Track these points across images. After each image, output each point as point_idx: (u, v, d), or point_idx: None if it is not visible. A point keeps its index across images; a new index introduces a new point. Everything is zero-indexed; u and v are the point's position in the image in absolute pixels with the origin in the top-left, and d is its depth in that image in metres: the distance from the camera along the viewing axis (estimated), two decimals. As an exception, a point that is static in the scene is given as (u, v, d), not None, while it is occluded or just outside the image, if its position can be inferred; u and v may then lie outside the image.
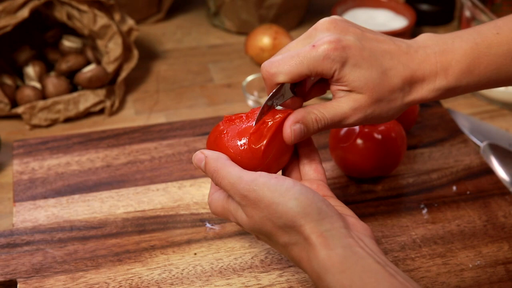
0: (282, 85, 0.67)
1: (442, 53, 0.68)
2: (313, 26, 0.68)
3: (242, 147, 0.66)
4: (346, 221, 0.61)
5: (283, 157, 0.69)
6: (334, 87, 0.67)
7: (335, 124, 0.67)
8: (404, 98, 0.68)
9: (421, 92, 0.68)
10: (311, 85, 0.71)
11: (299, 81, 0.67)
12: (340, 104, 0.67)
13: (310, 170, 0.69)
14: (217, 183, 0.65)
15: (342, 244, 0.58)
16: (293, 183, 0.61)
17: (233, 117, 0.69)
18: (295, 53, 0.66)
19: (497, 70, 0.68)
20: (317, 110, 0.67)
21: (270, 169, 0.67)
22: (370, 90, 0.66)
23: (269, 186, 0.61)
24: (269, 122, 0.67)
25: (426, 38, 0.69)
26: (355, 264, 0.57)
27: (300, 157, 0.70)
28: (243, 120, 0.69)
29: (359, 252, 0.58)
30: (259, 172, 0.63)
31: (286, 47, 0.69)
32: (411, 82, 0.67)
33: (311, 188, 0.62)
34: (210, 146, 0.68)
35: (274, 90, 0.67)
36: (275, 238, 0.62)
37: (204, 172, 0.66)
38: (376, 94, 0.66)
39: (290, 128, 0.66)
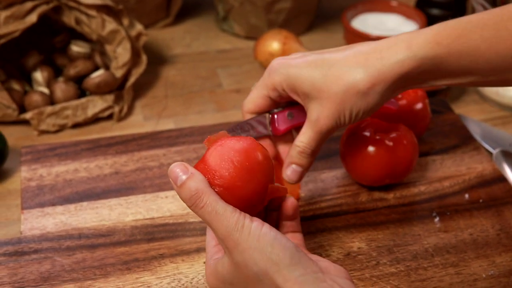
0: (257, 116, 0.75)
1: (403, 34, 0.67)
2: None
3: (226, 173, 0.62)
4: (319, 265, 0.60)
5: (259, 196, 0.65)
6: (301, 102, 0.71)
7: (320, 138, 0.70)
8: (365, 84, 0.67)
9: (383, 69, 0.65)
10: (291, 126, 0.75)
11: (267, 109, 0.74)
12: (308, 121, 0.70)
13: (288, 228, 0.69)
14: (197, 208, 0.61)
15: None
16: (270, 229, 0.60)
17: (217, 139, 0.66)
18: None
19: (467, 45, 0.64)
20: (298, 142, 0.71)
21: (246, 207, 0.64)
22: (318, 91, 0.67)
23: (250, 230, 0.59)
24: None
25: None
26: None
27: (281, 227, 0.68)
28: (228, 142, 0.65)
29: None
30: (243, 213, 0.61)
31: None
32: (365, 65, 0.66)
33: (284, 235, 0.60)
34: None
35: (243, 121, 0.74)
36: None
37: (176, 188, 0.62)
38: (328, 93, 0.67)
39: (285, 173, 0.73)
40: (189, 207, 0.62)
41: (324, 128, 0.69)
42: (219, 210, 0.60)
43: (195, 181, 0.61)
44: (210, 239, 0.67)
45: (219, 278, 0.63)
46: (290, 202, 0.67)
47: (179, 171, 0.62)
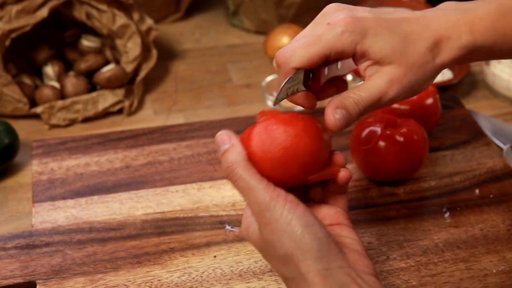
0: (297, 72, 0.63)
1: (464, 12, 0.65)
2: (320, 13, 0.65)
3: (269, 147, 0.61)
4: (346, 258, 0.59)
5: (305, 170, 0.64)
6: (362, 66, 0.64)
7: (375, 103, 0.63)
8: (435, 60, 0.64)
9: (450, 51, 0.64)
10: (325, 81, 0.67)
11: (317, 66, 0.63)
12: (375, 81, 0.63)
13: (333, 201, 0.67)
14: (232, 180, 0.61)
15: (340, 283, 0.57)
16: (303, 213, 0.58)
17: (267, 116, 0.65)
18: (311, 35, 0.62)
19: None
20: (353, 93, 0.63)
21: (289, 180, 0.63)
22: (398, 57, 0.62)
23: (283, 212, 0.58)
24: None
25: (444, 4, 0.68)
26: None
27: (326, 198, 0.67)
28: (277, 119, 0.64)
29: None
30: (278, 190, 0.60)
31: (298, 35, 0.65)
32: (437, 42, 0.64)
33: (320, 222, 0.59)
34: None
35: (290, 76, 0.63)
36: (275, 267, 0.61)
37: (219, 154, 0.62)
38: (406, 60, 0.63)
39: (333, 115, 0.62)
40: (228, 180, 0.61)
41: (388, 95, 0.63)
42: (252, 185, 0.59)
43: (233, 154, 0.61)
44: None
45: (250, 238, 0.62)
46: (344, 173, 0.65)
47: (221, 140, 0.62)
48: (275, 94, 1.05)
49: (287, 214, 0.58)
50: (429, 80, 0.65)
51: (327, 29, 0.62)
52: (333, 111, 0.62)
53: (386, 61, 0.63)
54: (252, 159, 0.61)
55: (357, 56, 0.63)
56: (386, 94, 0.63)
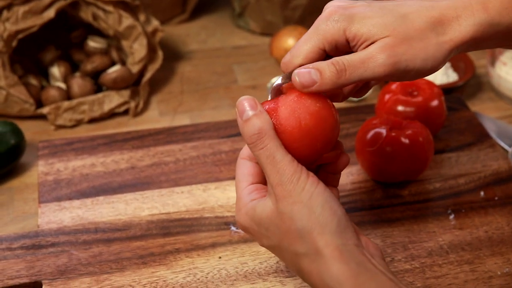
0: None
1: None
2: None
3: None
4: (360, 239, 0.60)
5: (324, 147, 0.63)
6: (359, 49, 0.62)
7: (358, 68, 0.60)
8: (439, 38, 0.61)
9: (459, 29, 0.61)
10: None
11: (316, 59, 0.62)
12: (365, 49, 0.60)
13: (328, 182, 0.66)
14: (256, 148, 0.59)
15: (356, 260, 0.57)
16: (324, 189, 0.59)
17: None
18: (304, 34, 0.63)
19: None
20: (338, 57, 0.61)
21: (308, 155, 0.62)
22: (392, 30, 0.60)
23: (305, 185, 0.58)
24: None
25: None
26: (370, 280, 0.56)
27: (322, 178, 0.65)
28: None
29: (372, 269, 0.57)
30: (301, 165, 0.59)
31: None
32: (442, 21, 0.61)
33: (338, 200, 0.60)
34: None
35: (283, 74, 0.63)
36: (287, 243, 0.60)
37: (241, 122, 0.60)
38: (401, 33, 0.60)
39: (299, 73, 0.60)
40: (248, 145, 0.60)
41: (379, 56, 0.60)
42: (277, 157, 0.59)
43: (261, 121, 0.59)
44: (242, 179, 0.64)
45: (255, 219, 0.62)
46: (345, 159, 0.66)
47: (248, 105, 0.60)
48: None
49: (309, 187, 0.59)
50: (436, 59, 0.61)
51: (316, 23, 0.63)
52: (302, 69, 0.61)
53: (379, 37, 0.60)
54: (277, 129, 0.60)
55: (351, 42, 0.62)
56: (373, 58, 0.60)
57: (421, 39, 0.61)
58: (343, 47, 0.63)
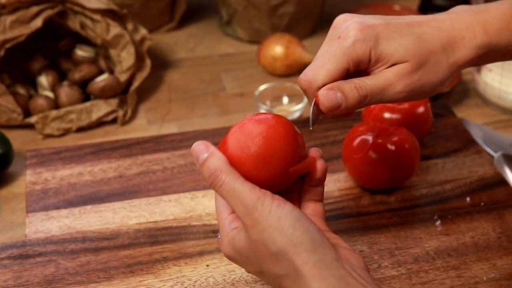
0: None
1: (477, 13, 0.65)
2: (332, 27, 0.67)
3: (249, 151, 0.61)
4: (338, 252, 0.59)
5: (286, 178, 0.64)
6: (378, 70, 0.64)
7: (379, 93, 0.62)
8: (449, 59, 0.64)
9: (465, 51, 0.64)
10: None
11: (339, 79, 0.63)
12: (384, 73, 0.63)
13: (310, 207, 0.66)
14: (216, 186, 0.60)
15: (336, 274, 0.57)
16: (292, 209, 0.59)
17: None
18: (326, 52, 0.63)
19: None
20: (358, 79, 0.63)
21: (270, 185, 0.62)
22: (412, 55, 0.62)
23: (271, 209, 0.58)
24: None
25: (456, 8, 0.68)
26: None
27: (304, 193, 0.66)
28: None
29: (353, 283, 0.57)
30: (264, 190, 0.60)
31: (316, 56, 0.66)
32: (450, 42, 0.64)
33: (309, 217, 0.60)
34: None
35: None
36: (267, 267, 0.60)
37: (199, 167, 0.61)
38: (419, 58, 0.62)
39: (321, 94, 0.61)
40: (210, 186, 0.61)
41: (395, 88, 0.63)
42: (237, 188, 0.59)
43: (214, 159, 0.60)
44: (222, 210, 0.64)
45: (236, 249, 0.62)
46: (319, 165, 0.64)
47: (201, 149, 0.61)
48: (268, 103, 1.06)
49: (276, 210, 0.58)
50: (443, 81, 0.65)
51: (340, 41, 0.63)
52: (326, 90, 0.62)
53: (401, 61, 0.63)
54: (232, 162, 0.61)
55: (371, 62, 0.63)
56: (392, 86, 0.63)
57: (434, 63, 0.64)
58: (363, 66, 0.64)
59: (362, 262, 0.61)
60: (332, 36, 0.67)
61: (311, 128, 0.66)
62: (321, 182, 0.65)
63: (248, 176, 0.61)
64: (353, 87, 0.62)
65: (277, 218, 0.58)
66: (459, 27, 0.65)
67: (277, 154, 0.61)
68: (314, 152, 0.65)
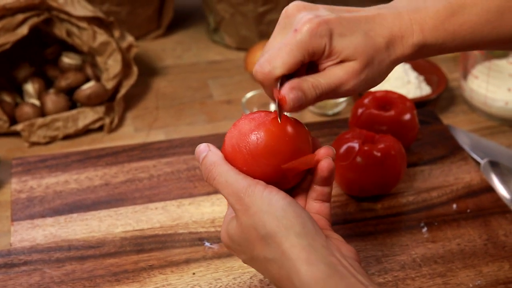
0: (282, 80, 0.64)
1: (415, 11, 0.68)
2: (282, 16, 0.67)
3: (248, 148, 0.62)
4: (330, 241, 0.60)
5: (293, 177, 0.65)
6: (324, 65, 0.65)
7: (332, 91, 0.65)
8: (391, 57, 0.67)
9: (402, 48, 0.67)
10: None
11: (294, 70, 0.64)
12: (335, 71, 0.65)
13: (315, 206, 0.66)
14: (211, 181, 0.63)
15: (325, 261, 0.56)
16: (285, 196, 0.60)
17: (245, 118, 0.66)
18: (282, 44, 0.64)
19: (472, 30, 0.68)
20: (312, 78, 0.64)
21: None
22: (360, 53, 0.65)
23: (262, 194, 0.59)
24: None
25: (397, 1, 0.70)
26: (339, 281, 0.56)
27: (310, 192, 0.66)
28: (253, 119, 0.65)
29: (342, 271, 0.56)
30: (257, 180, 0.61)
31: (267, 46, 0.67)
32: (392, 41, 0.67)
33: (301, 205, 0.60)
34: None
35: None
36: (256, 252, 0.60)
37: (200, 165, 0.65)
38: (365, 57, 0.65)
39: (287, 94, 0.62)
40: (207, 181, 0.63)
41: (346, 86, 0.65)
42: (229, 178, 0.61)
43: (210, 157, 0.63)
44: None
45: (230, 237, 0.63)
46: (326, 163, 0.64)
47: (201, 150, 0.65)
48: (255, 109, 1.05)
49: (267, 195, 0.59)
50: (383, 75, 0.68)
51: (296, 34, 0.63)
52: (289, 91, 0.62)
53: (349, 58, 0.65)
54: (227, 159, 0.63)
55: (323, 56, 0.65)
56: (343, 85, 0.65)
57: (379, 62, 0.66)
58: (316, 58, 0.65)
59: (354, 253, 0.61)
60: (284, 24, 0.66)
61: (279, 122, 0.65)
62: (327, 181, 0.65)
63: (245, 173, 0.62)
64: (311, 86, 0.64)
65: (268, 202, 0.59)
66: (399, 25, 0.67)
67: (265, 150, 0.62)
68: (323, 150, 0.65)
